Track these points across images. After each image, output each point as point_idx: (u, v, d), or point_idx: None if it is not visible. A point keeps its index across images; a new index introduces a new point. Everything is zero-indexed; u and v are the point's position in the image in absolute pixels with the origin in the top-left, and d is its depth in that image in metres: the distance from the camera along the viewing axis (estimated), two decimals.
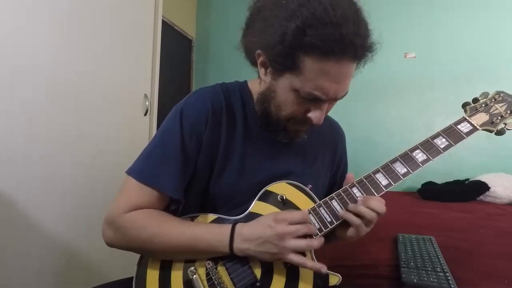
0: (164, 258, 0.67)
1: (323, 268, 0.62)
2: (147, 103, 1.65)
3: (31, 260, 1.10)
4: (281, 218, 0.62)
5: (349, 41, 0.55)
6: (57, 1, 1.16)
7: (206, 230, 0.65)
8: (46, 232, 1.15)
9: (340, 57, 0.57)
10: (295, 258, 0.61)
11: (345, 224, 0.66)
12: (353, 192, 0.67)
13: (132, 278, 0.67)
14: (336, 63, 0.57)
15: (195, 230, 0.65)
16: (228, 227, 0.64)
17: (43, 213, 1.14)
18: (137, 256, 0.69)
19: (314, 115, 0.64)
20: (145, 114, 1.66)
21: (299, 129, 0.69)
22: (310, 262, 0.62)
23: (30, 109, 1.09)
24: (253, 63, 0.71)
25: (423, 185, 2.32)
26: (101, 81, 1.37)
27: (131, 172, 0.67)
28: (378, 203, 0.63)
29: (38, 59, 1.11)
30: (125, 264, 1.36)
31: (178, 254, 0.66)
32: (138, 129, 1.63)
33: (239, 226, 0.64)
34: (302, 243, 0.61)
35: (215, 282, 0.64)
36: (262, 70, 0.67)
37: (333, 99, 0.64)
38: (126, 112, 1.54)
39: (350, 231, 0.66)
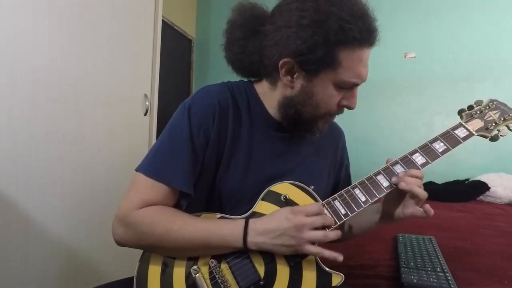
0: (176, 255, 0.67)
1: (340, 257, 0.63)
2: (147, 103, 1.65)
3: (31, 260, 1.10)
4: (298, 210, 0.64)
5: (374, 28, 0.65)
6: (57, 2, 1.17)
7: (219, 225, 0.65)
8: (46, 232, 1.15)
9: (370, 44, 0.65)
10: (312, 248, 0.63)
11: (394, 202, 0.70)
12: (355, 193, 0.69)
13: (131, 278, 0.67)
14: (367, 49, 0.65)
15: (207, 225, 0.65)
16: (242, 221, 0.64)
17: (43, 213, 1.14)
18: (138, 256, 0.68)
19: (351, 101, 0.70)
20: (145, 114, 1.66)
21: (328, 121, 0.74)
22: (327, 252, 0.63)
23: (30, 109, 1.09)
24: (263, 74, 0.74)
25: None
26: (101, 81, 1.37)
27: (140, 168, 0.67)
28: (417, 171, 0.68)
29: (38, 59, 1.11)
30: (125, 264, 1.36)
31: (190, 250, 0.66)
32: (138, 129, 1.63)
33: (252, 220, 0.65)
34: (319, 234, 0.63)
35: (219, 281, 0.64)
36: (287, 78, 0.68)
37: (363, 81, 0.69)
38: (126, 112, 1.54)
39: (402, 208, 0.70)
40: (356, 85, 0.68)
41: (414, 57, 2.67)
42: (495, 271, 0.93)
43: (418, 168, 0.69)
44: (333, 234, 0.64)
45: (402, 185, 0.65)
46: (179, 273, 0.65)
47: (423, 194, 0.66)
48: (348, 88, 0.67)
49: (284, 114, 0.72)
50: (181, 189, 0.67)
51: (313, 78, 0.66)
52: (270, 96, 0.74)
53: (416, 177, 0.67)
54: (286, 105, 0.71)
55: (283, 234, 0.62)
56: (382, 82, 2.67)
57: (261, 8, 0.73)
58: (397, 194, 0.70)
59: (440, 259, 0.94)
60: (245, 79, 0.80)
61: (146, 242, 0.65)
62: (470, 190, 2.15)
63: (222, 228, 0.64)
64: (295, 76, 0.67)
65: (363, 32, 0.62)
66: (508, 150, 2.37)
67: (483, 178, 2.15)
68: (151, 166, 0.67)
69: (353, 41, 0.62)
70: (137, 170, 0.67)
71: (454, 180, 2.34)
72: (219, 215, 0.70)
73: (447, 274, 0.85)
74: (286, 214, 0.63)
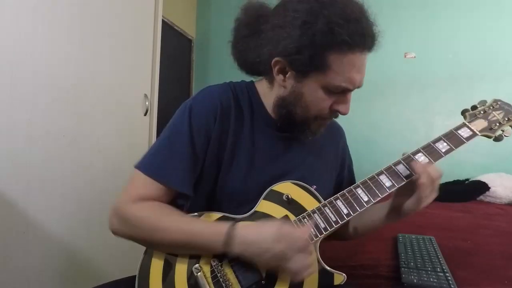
0: (164, 251, 0.67)
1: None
2: (147, 103, 1.65)
3: (31, 260, 1.10)
4: (285, 234, 0.60)
5: (369, 33, 0.62)
6: (58, 2, 1.16)
7: (204, 227, 0.65)
8: (46, 232, 1.15)
9: (363, 48, 0.63)
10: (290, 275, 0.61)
11: (404, 195, 0.68)
12: (357, 193, 0.69)
13: (132, 277, 0.68)
14: (360, 54, 0.63)
15: (193, 226, 0.65)
16: (226, 226, 0.63)
17: (43, 213, 1.14)
18: (138, 256, 0.69)
19: (343, 107, 0.68)
20: (145, 114, 1.66)
21: (322, 125, 0.73)
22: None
23: (30, 109, 1.09)
24: (258, 73, 0.74)
25: None
26: (101, 81, 1.37)
27: (139, 166, 0.68)
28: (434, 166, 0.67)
29: (38, 59, 1.11)
30: (125, 264, 1.36)
31: (176, 248, 0.66)
32: (138, 129, 1.63)
33: (238, 227, 0.63)
34: (298, 265, 0.60)
35: (220, 280, 0.64)
36: (279, 77, 0.69)
37: (357, 88, 0.67)
38: (126, 112, 1.54)
39: (412, 202, 0.67)
40: (348, 90, 0.66)
41: (414, 57, 2.67)
42: (495, 271, 0.93)
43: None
44: (311, 270, 0.61)
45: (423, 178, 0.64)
46: (181, 271, 0.66)
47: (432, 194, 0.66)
48: (338, 92, 0.66)
49: (278, 115, 0.73)
50: (177, 189, 0.68)
51: (303, 79, 0.66)
52: (269, 95, 0.74)
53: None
54: (279, 105, 0.71)
55: (266, 253, 0.59)
56: (382, 82, 2.67)
57: (268, 8, 0.73)
58: (409, 188, 0.67)
59: (440, 259, 0.94)
60: (247, 79, 0.81)
61: (135, 235, 0.67)
62: (470, 190, 2.15)
63: (205, 231, 0.64)
64: (287, 75, 0.68)
65: (355, 36, 0.60)
66: (508, 149, 2.37)
67: (483, 178, 2.15)
68: (150, 165, 0.68)
69: (342, 45, 0.60)
70: (136, 167, 0.69)
71: (454, 180, 2.34)
72: (221, 214, 0.70)
73: (447, 274, 0.85)
74: (273, 234, 0.59)
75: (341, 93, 0.66)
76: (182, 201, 0.71)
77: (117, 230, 0.68)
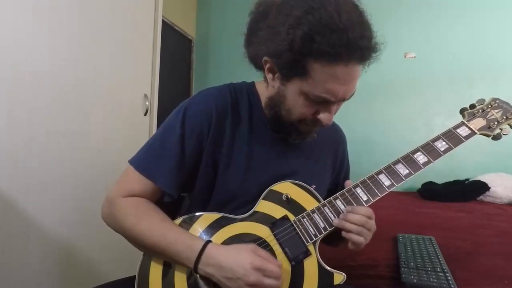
0: (142, 251, 0.68)
1: None
2: (147, 103, 1.65)
3: (31, 260, 1.10)
4: (259, 266, 0.59)
5: (356, 45, 0.57)
6: (58, 1, 1.17)
7: (179, 239, 0.64)
8: (46, 232, 1.15)
9: (348, 60, 0.59)
10: None
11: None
12: (357, 192, 0.69)
13: (132, 277, 0.68)
14: (344, 66, 0.59)
15: (170, 235, 0.64)
16: (200, 243, 0.62)
17: (43, 213, 1.14)
18: (138, 256, 0.69)
19: (324, 117, 0.66)
20: (145, 114, 1.66)
21: (311, 129, 0.71)
22: None
23: (30, 109, 1.09)
24: (260, 68, 0.73)
25: (423, 185, 2.32)
26: (101, 81, 1.37)
27: (132, 161, 0.71)
28: (364, 208, 0.67)
29: (38, 59, 1.11)
30: (125, 264, 1.36)
31: (151, 252, 0.67)
32: (138, 129, 1.63)
33: (210, 247, 0.62)
34: None
35: None
36: (269, 76, 0.69)
37: (341, 100, 0.65)
38: (126, 112, 1.53)
39: (350, 245, 0.68)
40: (328, 101, 0.63)
41: (414, 57, 2.68)
42: (495, 271, 0.93)
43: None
44: None
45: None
46: (180, 272, 0.66)
47: (357, 240, 0.66)
48: (319, 102, 0.64)
49: (269, 116, 0.73)
50: (163, 189, 0.69)
51: (286, 82, 0.65)
52: (265, 95, 0.74)
53: (362, 215, 0.66)
54: (268, 105, 0.72)
55: (235, 280, 0.59)
56: (382, 82, 2.67)
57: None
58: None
59: (440, 259, 0.94)
60: (249, 79, 0.80)
61: (118, 228, 0.68)
62: (470, 190, 2.15)
63: (179, 243, 0.63)
64: (275, 76, 0.67)
65: (337, 47, 0.56)
66: (508, 149, 2.37)
67: (483, 178, 2.15)
68: (141, 161, 0.70)
69: (323, 55, 0.57)
70: (129, 162, 0.71)
71: (454, 180, 2.34)
72: (220, 214, 0.70)
73: (447, 274, 0.85)
74: (247, 263, 0.59)
75: (323, 103, 0.64)
76: (167, 198, 0.72)
77: (105, 219, 0.70)
